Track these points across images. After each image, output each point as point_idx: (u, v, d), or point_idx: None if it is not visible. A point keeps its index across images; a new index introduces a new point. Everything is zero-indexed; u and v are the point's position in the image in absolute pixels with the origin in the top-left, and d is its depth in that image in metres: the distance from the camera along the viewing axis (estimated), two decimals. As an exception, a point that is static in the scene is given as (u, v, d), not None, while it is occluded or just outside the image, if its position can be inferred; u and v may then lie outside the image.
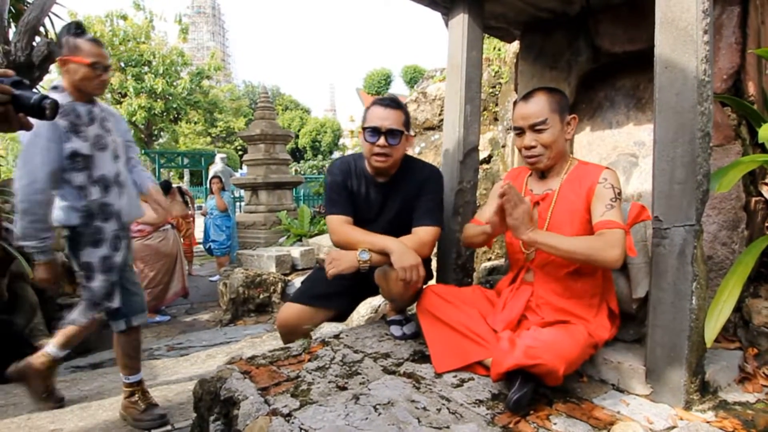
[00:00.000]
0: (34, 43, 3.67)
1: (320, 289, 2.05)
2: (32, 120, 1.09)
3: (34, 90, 1.06)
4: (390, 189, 1.92)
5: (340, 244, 1.85)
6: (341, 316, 2.21)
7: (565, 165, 1.67)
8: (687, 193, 1.36)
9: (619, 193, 1.52)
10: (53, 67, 3.74)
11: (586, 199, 1.56)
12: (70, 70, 1.93)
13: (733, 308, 1.43)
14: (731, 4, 1.86)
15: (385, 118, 1.78)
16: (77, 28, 1.96)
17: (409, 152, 1.98)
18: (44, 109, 1.04)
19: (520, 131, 1.64)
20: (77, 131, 1.92)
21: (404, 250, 1.69)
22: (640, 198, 2.07)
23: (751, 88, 1.86)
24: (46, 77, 3.89)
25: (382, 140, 1.78)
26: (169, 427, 2.17)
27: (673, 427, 1.28)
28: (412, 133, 1.86)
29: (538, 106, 1.59)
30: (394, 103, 1.84)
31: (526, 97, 1.65)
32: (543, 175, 1.70)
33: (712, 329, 1.39)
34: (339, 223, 1.86)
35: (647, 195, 1.99)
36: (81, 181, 1.94)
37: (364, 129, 1.82)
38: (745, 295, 1.77)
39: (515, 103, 1.71)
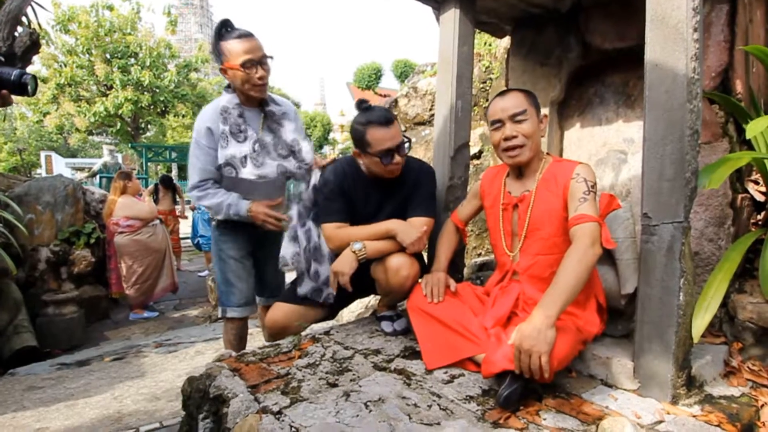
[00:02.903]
0: (16, 33, 3.58)
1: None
2: None
3: (14, 68, 1.06)
4: (388, 188, 1.92)
5: (340, 247, 1.84)
6: (331, 315, 2.19)
7: (540, 164, 1.68)
8: (676, 191, 1.37)
9: (593, 186, 1.53)
10: (36, 58, 3.68)
11: (563, 197, 1.57)
12: (229, 76, 1.93)
13: (719, 304, 1.45)
14: (720, 2, 1.87)
15: (391, 137, 1.77)
16: (224, 27, 1.90)
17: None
18: (25, 85, 1.06)
19: (499, 124, 1.64)
20: None
21: (406, 227, 1.78)
22: (629, 194, 2.08)
23: (739, 86, 1.87)
24: (29, 68, 3.81)
25: (397, 158, 1.80)
26: (158, 425, 2.15)
27: (661, 422, 1.30)
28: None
29: (518, 99, 1.63)
30: (389, 117, 1.80)
31: (503, 93, 1.68)
32: (520, 173, 1.70)
33: (699, 324, 1.41)
34: (333, 229, 1.87)
35: (636, 192, 2.00)
36: None
37: (373, 154, 1.78)
38: (731, 290, 1.79)
39: (489, 102, 1.71)
